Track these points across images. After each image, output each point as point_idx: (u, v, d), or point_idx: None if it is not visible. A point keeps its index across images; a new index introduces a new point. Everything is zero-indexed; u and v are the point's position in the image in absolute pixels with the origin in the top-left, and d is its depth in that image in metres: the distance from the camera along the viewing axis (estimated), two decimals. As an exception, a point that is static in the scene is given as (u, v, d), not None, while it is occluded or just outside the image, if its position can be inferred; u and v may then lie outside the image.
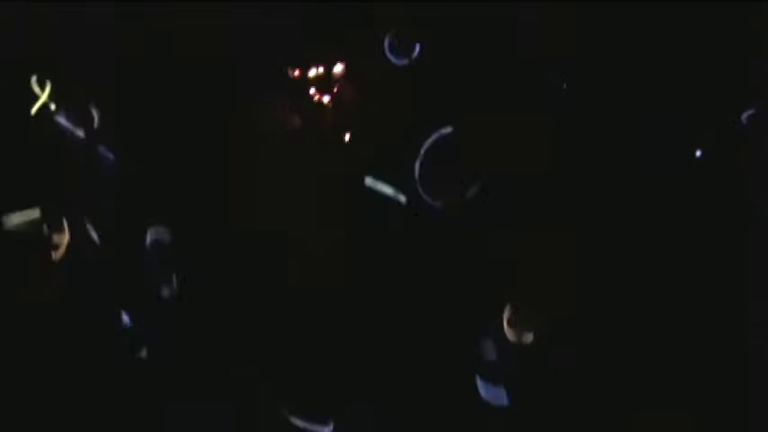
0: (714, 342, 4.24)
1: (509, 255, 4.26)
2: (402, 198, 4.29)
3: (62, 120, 4.17)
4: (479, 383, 4.19)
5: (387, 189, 4.28)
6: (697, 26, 4.35)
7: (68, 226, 4.07)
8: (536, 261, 4.25)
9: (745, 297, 4.24)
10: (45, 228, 4.03)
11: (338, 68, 4.44)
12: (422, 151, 4.25)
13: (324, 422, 4.15)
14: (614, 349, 4.23)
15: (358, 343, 4.26)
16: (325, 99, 4.44)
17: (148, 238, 4.27)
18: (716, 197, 4.34)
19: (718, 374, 4.20)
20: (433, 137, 4.25)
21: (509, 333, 4.16)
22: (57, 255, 4.07)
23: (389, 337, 4.27)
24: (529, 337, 4.16)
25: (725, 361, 4.21)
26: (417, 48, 4.39)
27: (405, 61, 4.39)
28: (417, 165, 4.25)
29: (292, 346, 4.26)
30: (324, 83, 4.43)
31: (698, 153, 4.39)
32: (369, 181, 4.28)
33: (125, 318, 4.18)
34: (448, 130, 4.26)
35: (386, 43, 4.39)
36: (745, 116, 4.34)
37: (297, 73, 4.43)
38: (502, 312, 4.16)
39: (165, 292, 4.24)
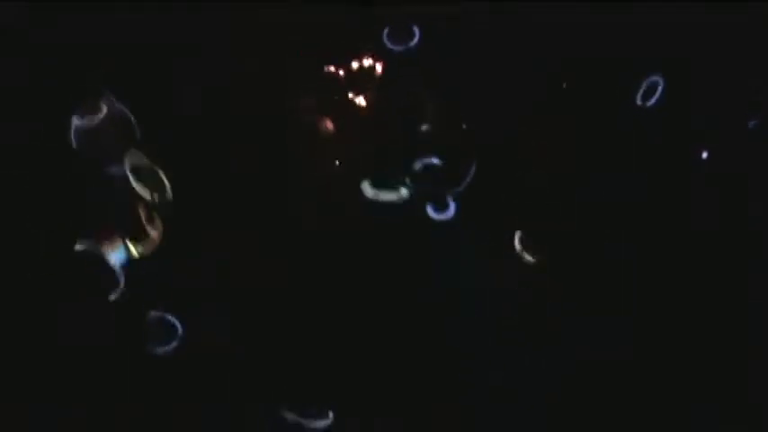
0: (714, 342, 4.25)
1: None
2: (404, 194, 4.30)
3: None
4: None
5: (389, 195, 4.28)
6: (702, 27, 4.35)
7: None
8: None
9: (746, 297, 4.25)
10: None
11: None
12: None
13: (321, 416, 4.17)
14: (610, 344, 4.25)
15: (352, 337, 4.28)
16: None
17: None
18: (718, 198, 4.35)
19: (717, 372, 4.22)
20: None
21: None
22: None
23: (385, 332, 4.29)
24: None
25: (724, 359, 4.23)
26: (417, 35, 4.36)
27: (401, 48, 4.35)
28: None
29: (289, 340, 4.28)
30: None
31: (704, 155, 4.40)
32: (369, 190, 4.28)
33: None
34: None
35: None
36: (752, 121, 4.35)
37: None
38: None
39: None
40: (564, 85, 4.45)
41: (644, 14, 4.31)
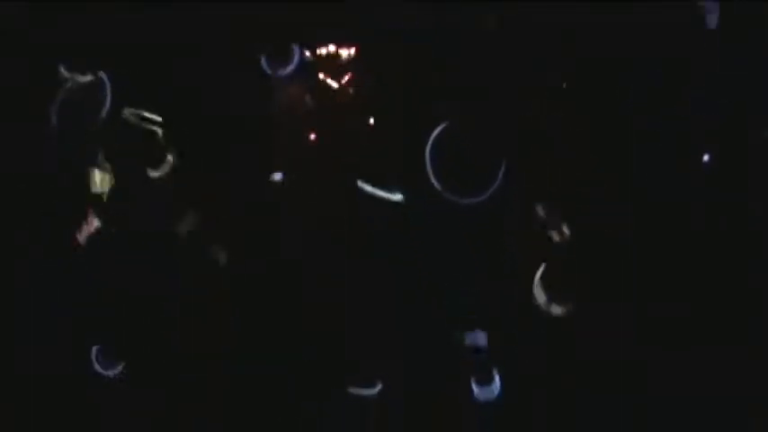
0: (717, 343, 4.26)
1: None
2: (398, 197, 4.29)
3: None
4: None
5: (382, 191, 4.28)
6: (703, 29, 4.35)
7: None
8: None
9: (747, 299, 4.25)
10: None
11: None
12: (428, 150, 4.22)
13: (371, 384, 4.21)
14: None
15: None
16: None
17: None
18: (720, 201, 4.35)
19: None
20: (435, 133, 4.23)
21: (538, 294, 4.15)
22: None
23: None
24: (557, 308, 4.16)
25: (725, 360, 4.23)
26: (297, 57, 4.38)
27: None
28: (429, 165, 4.23)
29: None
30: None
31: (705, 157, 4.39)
32: (363, 185, 4.28)
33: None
34: (444, 124, 4.22)
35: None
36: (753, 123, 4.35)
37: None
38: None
39: None
40: (564, 86, 4.46)
41: (644, 14, 4.32)
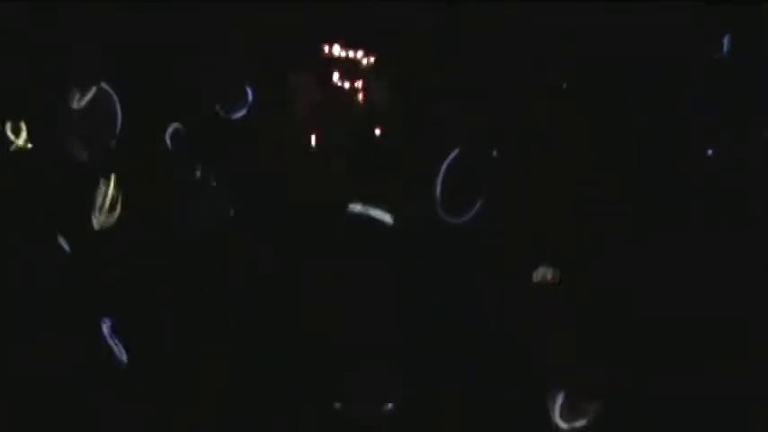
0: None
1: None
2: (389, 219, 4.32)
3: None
4: None
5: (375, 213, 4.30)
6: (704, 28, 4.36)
7: None
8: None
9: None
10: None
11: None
12: (440, 174, 4.28)
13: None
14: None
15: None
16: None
17: None
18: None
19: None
20: (448, 159, 4.28)
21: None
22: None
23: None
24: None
25: (725, 361, 4.22)
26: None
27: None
28: (438, 186, 4.27)
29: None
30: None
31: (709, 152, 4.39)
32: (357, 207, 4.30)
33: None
34: (456, 152, 4.28)
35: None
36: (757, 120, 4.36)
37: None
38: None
39: None
40: (564, 86, 4.47)
41: (644, 14, 4.32)
